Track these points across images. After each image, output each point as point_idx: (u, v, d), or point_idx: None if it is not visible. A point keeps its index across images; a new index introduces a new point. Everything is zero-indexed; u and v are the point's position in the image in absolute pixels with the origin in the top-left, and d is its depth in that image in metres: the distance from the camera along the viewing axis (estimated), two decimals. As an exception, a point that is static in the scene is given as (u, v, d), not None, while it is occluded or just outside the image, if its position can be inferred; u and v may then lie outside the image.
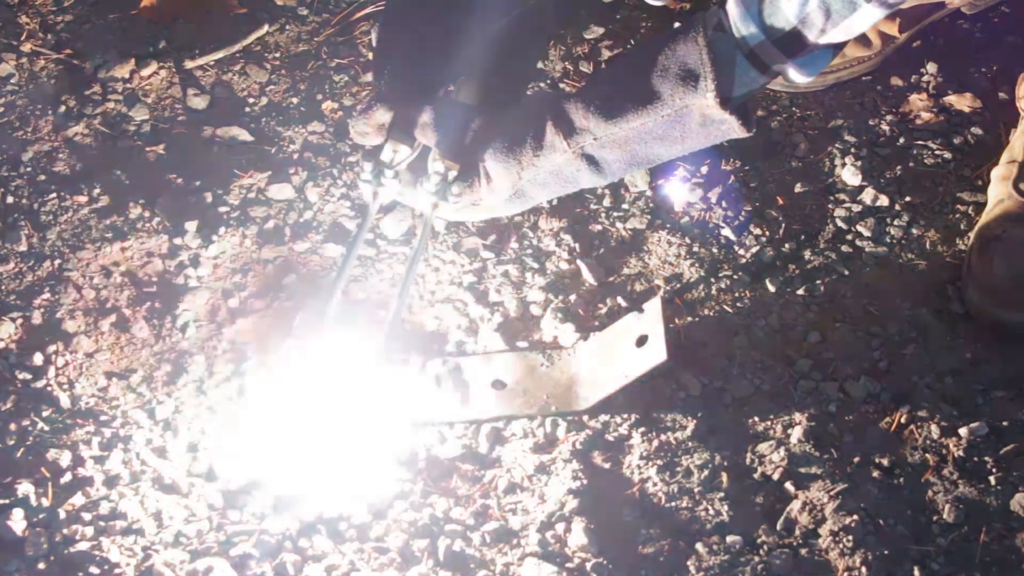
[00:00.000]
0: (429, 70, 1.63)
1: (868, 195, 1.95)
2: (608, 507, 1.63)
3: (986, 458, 1.67)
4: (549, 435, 1.71)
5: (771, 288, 1.85)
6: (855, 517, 1.60)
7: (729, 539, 1.60)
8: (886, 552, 1.58)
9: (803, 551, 1.59)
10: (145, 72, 2.08)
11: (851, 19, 1.44)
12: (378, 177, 1.64)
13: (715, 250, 1.89)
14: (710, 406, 1.73)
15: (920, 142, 2.01)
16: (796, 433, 1.69)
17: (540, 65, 2.10)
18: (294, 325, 1.63)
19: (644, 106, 1.51)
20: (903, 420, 1.71)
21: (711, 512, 1.63)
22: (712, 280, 1.86)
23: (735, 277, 1.86)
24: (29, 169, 1.96)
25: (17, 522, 1.59)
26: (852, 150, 2.00)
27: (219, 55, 2.11)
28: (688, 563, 1.58)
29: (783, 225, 1.92)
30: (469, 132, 1.59)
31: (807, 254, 1.89)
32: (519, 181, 1.59)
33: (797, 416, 1.71)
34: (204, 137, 2.02)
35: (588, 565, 1.58)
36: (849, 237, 1.91)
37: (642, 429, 1.70)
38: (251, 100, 2.07)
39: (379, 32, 1.68)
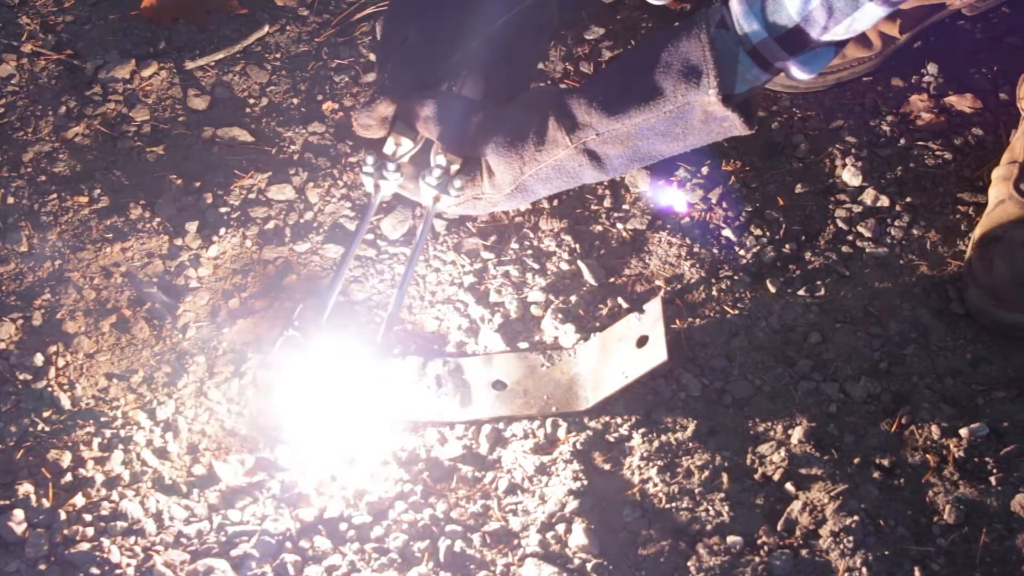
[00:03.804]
0: (432, 64, 1.64)
1: (869, 196, 1.95)
2: (609, 508, 1.63)
3: (986, 459, 1.67)
4: (549, 436, 1.71)
5: (771, 289, 1.85)
6: (855, 518, 1.60)
7: (730, 540, 1.60)
8: (886, 553, 1.58)
9: (803, 552, 1.59)
10: (145, 73, 2.08)
11: (853, 17, 1.45)
12: (380, 170, 1.64)
13: (716, 251, 1.89)
14: (711, 407, 1.73)
15: (921, 143, 2.01)
16: (797, 434, 1.69)
17: (540, 65, 2.10)
18: (294, 316, 1.63)
19: (646, 102, 1.52)
20: (903, 421, 1.71)
21: (712, 513, 1.63)
22: (713, 281, 1.86)
23: (736, 278, 1.86)
24: (29, 169, 1.96)
25: (17, 523, 1.59)
26: (853, 151, 2.00)
27: (219, 56, 2.11)
28: (688, 564, 1.58)
29: (783, 226, 1.93)
30: (471, 126, 1.59)
31: (807, 255, 1.89)
32: (521, 176, 1.59)
33: (798, 417, 1.71)
34: (204, 138, 2.02)
35: (589, 566, 1.58)
36: (850, 238, 1.91)
37: (643, 430, 1.70)
38: (251, 101, 2.07)
39: (383, 26, 1.68)
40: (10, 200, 1.92)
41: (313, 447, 1.69)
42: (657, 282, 1.86)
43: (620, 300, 1.84)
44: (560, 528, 1.61)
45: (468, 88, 1.69)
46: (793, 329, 1.81)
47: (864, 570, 1.56)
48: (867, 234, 1.91)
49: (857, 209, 1.94)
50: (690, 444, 1.69)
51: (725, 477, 1.65)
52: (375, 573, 1.58)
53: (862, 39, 2.04)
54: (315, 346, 1.67)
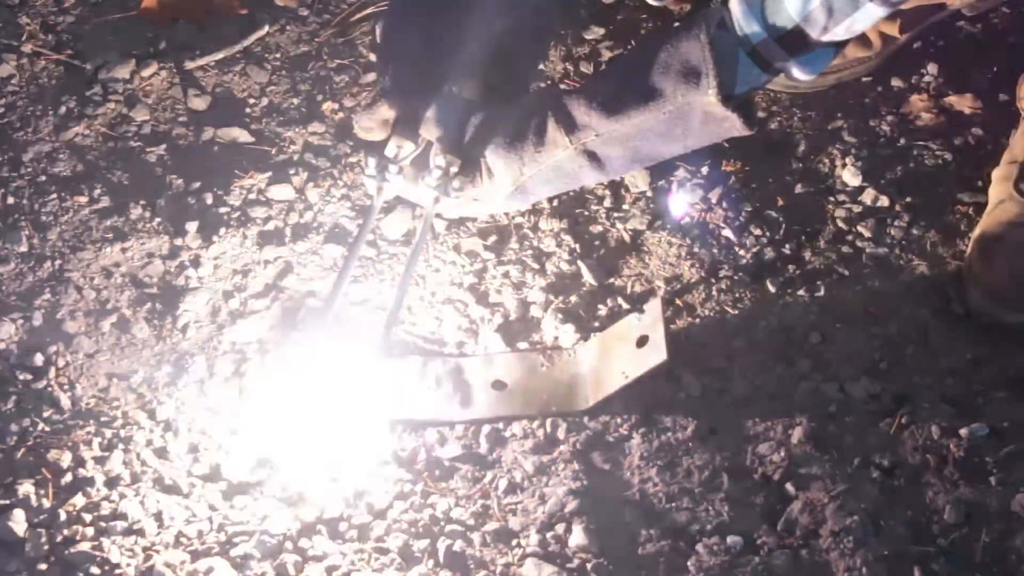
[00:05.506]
0: (433, 66, 1.64)
1: (868, 196, 1.95)
2: (608, 508, 1.63)
3: (986, 458, 1.67)
4: (549, 436, 1.71)
5: (771, 289, 1.85)
6: (855, 518, 1.60)
7: (729, 540, 1.60)
8: (886, 553, 1.58)
9: (803, 552, 1.59)
10: (146, 73, 2.08)
11: (853, 17, 1.45)
12: (382, 172, 1.65)
13: (715, 251, 1.89)
14: (710, 407, 1.73)
15: (920, 143, 2.01)
16: (796, 434, 1.69)
17: (540, 66, 2.10)
18: (298, 319, 1.63)
19: (646, 103, 1.52)
20: (903, 420, 1.71)
21: (711, 513, 1.63)
22: (712, 281, 1.86)
23: (735, 278, 1.86)
24: (29, 170, 1.96)
25: (18, 523, 1.59)
26: (852, 151, 2.00)
27: (219, 56, 2.11)
28: (688, 564, 1.58)
29: (783, 226, 1.92)
30: (471, 128, 1.60)
31: (807, 255, 1.89)
32: (520, 177, 1.59)
33: (798, 417, 1.71)
34: (205, 138, 2.02)
35: (588, 566, 1.58)
36: (849, 238, 1.91)
37: (642, 430, 1.70)
38: (251, 101, 2.07)
39: (383, 28, 1.69)
40: (10, 200, 1.92)
41: (314, 447, 1.69)
42: (657, 282, 1.86)
43: (620, 300, 1.84)
44: (560, 528, 1.61)
45: (468, 90, 1.69)
46: (793, 329, 1.81)
47: (864, 570, 1.56)
48: (867, 234, 1.91)
49: (857, 209, 1.94)
50: (690, 444, 1.69)
51: (725, 477, 1.66)
52: (375, 573, 1.58)
53: (862, 39, 2.04)
54: (317, 347, 1.67)
